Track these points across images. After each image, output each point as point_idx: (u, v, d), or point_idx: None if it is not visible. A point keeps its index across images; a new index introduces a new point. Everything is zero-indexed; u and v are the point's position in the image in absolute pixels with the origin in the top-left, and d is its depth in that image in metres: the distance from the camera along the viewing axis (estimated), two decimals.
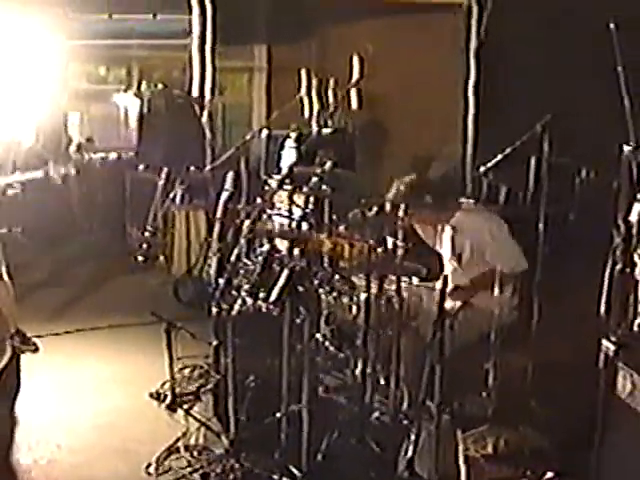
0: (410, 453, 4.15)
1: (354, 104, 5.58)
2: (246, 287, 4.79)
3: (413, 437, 4.18)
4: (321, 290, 5.24)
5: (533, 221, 5.41)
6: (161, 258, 9.25)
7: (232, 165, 7.01)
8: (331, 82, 6.51)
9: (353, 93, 5.54)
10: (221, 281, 5.09)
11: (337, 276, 5.30)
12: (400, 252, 4.86)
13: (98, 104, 13.56)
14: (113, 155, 11.89)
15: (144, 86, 12.07)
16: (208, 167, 7.83)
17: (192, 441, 5.31)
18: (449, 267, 5.59)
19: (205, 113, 9.28)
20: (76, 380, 6.41)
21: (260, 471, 4.79)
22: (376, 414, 5.15)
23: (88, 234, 11.11)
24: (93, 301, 8.38)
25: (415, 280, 5.64)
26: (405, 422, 5.01)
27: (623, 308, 3.60)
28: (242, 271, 4.93)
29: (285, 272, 4.60)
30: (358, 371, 5.08)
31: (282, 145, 7.09)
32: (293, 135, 6.49)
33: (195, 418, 5.66)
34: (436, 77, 9.38)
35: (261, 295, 4.68)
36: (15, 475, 4.99)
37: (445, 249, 5.68)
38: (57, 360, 6.76)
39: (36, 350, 6.87)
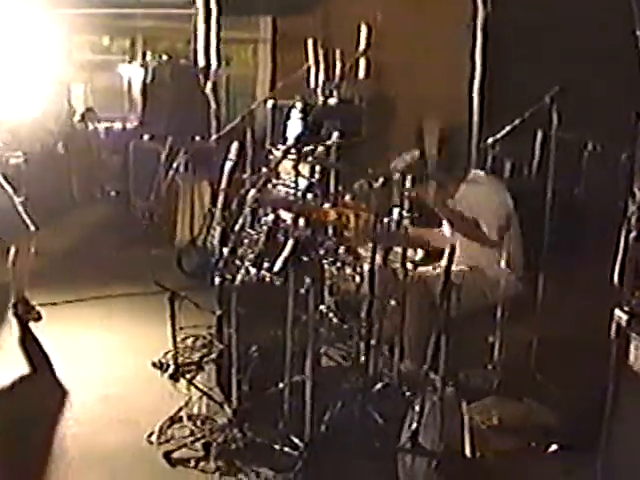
0: (414, 424, 4.13)
1: (362, 74, 5.55)
2: (250, 257, 4.77)
3: (417, 408, 4.16)
4: (325, 261, 5.22)
5: (539, 194, 5.38)
6: (164, 228, 9.23)
7: (237, 135, 6.96)
8: (337, 53, 6.47)
9: (361, 63, 5.51)
10: (225, 251, 5.07)
11: (342, 247, 5.28)
12: (406, 223, 4.83)
13: (102, 74, 13.52)
14: (117, 125, 11.88)
15: (149, 56, 12.03)
16: (213, 137, 7.78)
17: (195, 411, 5.30)
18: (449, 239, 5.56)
19: (210, 84, 9.21)
20: (79, 349, 6.41)
21: (263, 441, 4.77)
22: (379, 385, 5.13)
23: (93, 204, 11.11)
24: (97, 270, 8.36)
25: (420, 253, 5.63)
26: (408, 393, 5.00)
27: (637, 277, 3.57)
28: (246, 241, 4.90)
29: (290, 242, 4.57)
30: (362, 342, 5.09)
31: (288, 116, 7.05)
32: (299, 105, 6.45)
33: (197, 388, 5.66)
34: (444, 47, 9.32)
35: (265, 265, 4.66)
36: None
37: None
38: (60, 329, 6.77)
39: (39, 318, 6.88)
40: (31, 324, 6.82)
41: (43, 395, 5.67)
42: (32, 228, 6.69)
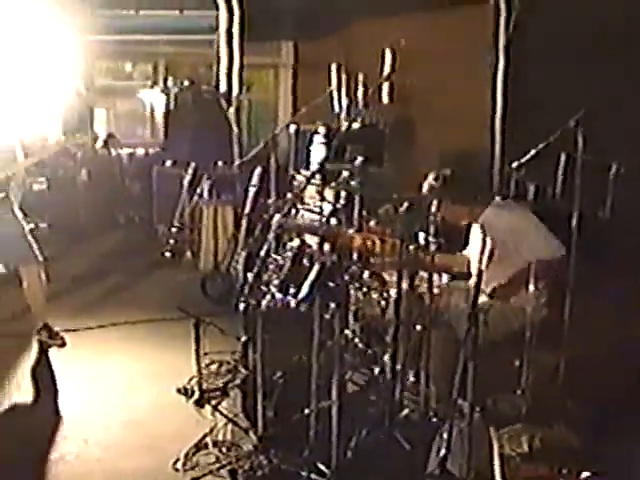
0: (443, 451, 4.10)
1: (385, 99, 5.54)
2: (276, 282, 4.76)
3: (445, 435, 4.13)
4: (351, 286, 5.21)
5: (563, 217, 5.35)
6: (188, 254, 9.25)
7: (260, 160, 6.97)
8: (360, 77, 6.47)
9: (384, 88, 5.50)
10: (249, 276, 5.06)
11: (367, 272, 5.27)
12: (432, 248, 4.81)
13: (124, 100, 13.59)
14: (140, 151, 11.93)
15: (170, 82, 12.08)
16: (237, 162, 7.80)
17: (220, 437, 5.27)
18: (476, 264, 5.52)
19: (232, 109, 9.26)
20: (104, 375, 6.40)
21: (289, 468, 4.74)
22: (405, 411, 5.10)
23: (116, 230, 11.14)
24: (121, 296, 8.38)
25: (445, 277, 5.60)
26: (435, 420, 4.97)
27: None
28: (272, 266, 4.90)
29: (315, 267, 4.56)
30: (387, 368, 5.06)
31: (311, 140, 7.07)
32: (322, 130, 6.46)
33: (222, 414, 5.63)
34: (466, 72, 9.32)
35: (291, 290, 4.65)
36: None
37: (474, 246, 5.61)
38: (84, 355, 6.77)
39: (63, 345, 6.89)
40: (55, 350, 6.82)
41: (41, 422, 5.65)
42: (40, 258, 6.72)
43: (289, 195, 5.36)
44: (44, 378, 6.37)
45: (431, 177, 5.32)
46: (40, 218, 9.64)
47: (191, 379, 6.03)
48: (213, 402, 5.80)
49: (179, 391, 5.97)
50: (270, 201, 5.51)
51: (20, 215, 6.71)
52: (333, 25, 10.94)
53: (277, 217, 4.88)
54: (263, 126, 12.21)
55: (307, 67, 12.52)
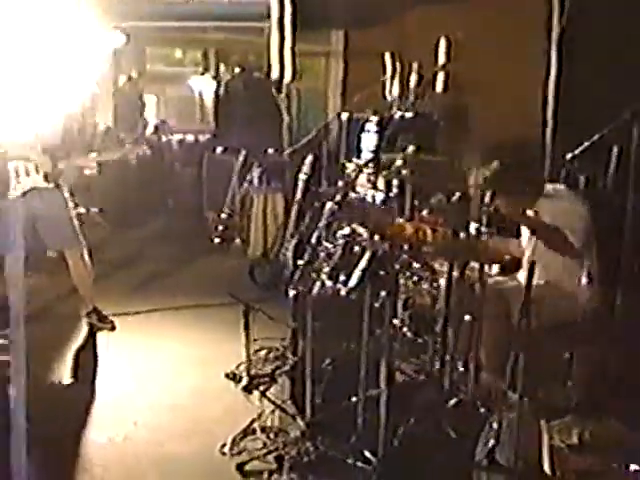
0: (491, 441, 4.09)
1: (439, 88, 5.52)
2: (326, 270, 4.77)
3: (495, 425, 4.12)
4: (401, 275, 5.20)
5: (614, 209, 5.30)
6: (237, 240, 9.29)
7: (310, 148, 6.98)
8: (414, 65, 6.45)
9: (439, 76, 5.48)
10: (300, 263, 5.07)
11: (417, 261, 5.25)
12: (484, 238, 4.78)
13: (174, 87, 13.68)
14: (190, 137, 11.99)
15: (221, 69, 12.12)
16: (289, 150, 7.81)
17: (268, 423, 5.29)
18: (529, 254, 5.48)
19: (283, 97, 9.26)
20: (153, 359, 6.46)
21: (335, 455, 4.75)
22: (454, 400, 5.09)
23: (166, 215, 11.20)
24: (170, 281, 8.45)
25: (495, 268, 5.57)
26: (483, 410, 4.95)
27: None
28: (322, 254, 4.90)
29: (366, 256, 4.56)
30: (436, 357, 5.05)
31: (362, 129, 7.04)
32: (374, 119, 6.43)
33: (270, 400, 5.65)
34: (521, 62, 9.24)
35: (341, 278, 4.66)
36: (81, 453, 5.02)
37: (526, 236, 5.58)
38: (134, 339, 6.82)
39: (113, 328, 6.95)
40: (104, 333, 6.89)
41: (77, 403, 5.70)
42: (83, 242, 6.79)
43: (340, 183, 5.34)
44: (87, 361, 6.44)
45: (484, 167, 5.29)
46: (91, 202, 9.71)
47: (240, 365, 6.06)
48: (261, 388, 5.82)
49: (227, 376, 6.00)
50: (321, 189, 5.51)
51: (69, 198, 6.77)
52: (385, 13, 10.88)
53: (329, 205, 4.89)
54: (313, 114, 12.19)
55: (358, 55, 12.48)
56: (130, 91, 11.81)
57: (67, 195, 6.75)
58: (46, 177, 6.49)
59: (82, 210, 7.35)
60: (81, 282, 6.90)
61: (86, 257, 6.83)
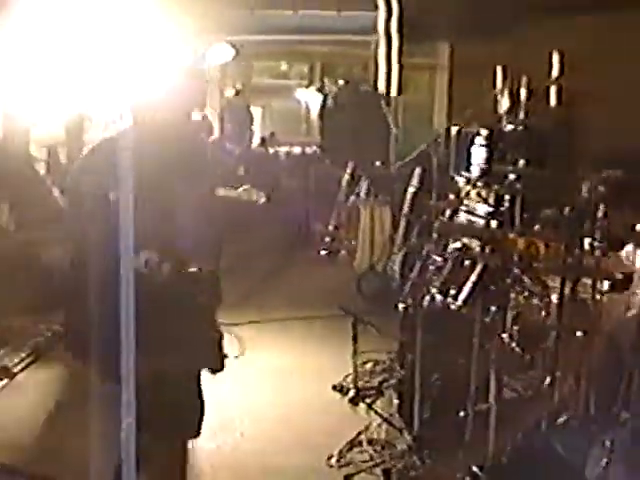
0: (604, 460, 4.03)
1: (552, 101, 5.47)
2: (436, 284, 4.76)
3: (607, 444, 4.05)
4: (511, 290, 5.15)
5: None
6: (344, 252, 9.31)
7: (418, 161, 6.98)
8: (524, 79, 6.40)
9: (552, 90, 5.43)
10: (408, 276, 5.07)
11: (529, 276, 5.20)
12: (597, 254, 4.71)
13: (280, 99, 13.77)
14: (297, 149, 12.06)
15: (327, 81, 12.18)
16: (399, 163, 7.82)
17: (374, 436, 5.28)
18: None
19: (390, 109, 9.29)
20: (261, 369, 6.51)
21: (442, 469, 4.73)
22: (563, 417, 5.02)
23: (272, 226, 11.27)
24: (276, 292, 8.50)
25: (606, 284, 5.48)
26: (593, 428, 4.87)
27: None
28: (432, 268, 4.90)
29: (477, 270, 4.54)
30: (546, 373, 4.99)
31: (472, 142, 7.02)
32: (484, 132, 6.41)
33: (377, 412, 5.64)
34: (635, 73, 9.10)
35: (451, 292, 4.64)
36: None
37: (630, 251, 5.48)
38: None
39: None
40: None
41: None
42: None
43: (451, 197, 5.33)
44: None
45: (597, 181, 5.21)
46: None
47: (347, 377, 6.07)
48: (368, 400, 5.83)
49: (335, 388, 6.02)
50: (431, 202, 5.49)
51: None
52: (490, 26, 10.84)
53: (440, 218, 4.88)
54: (418, 127, 12.18)
55: (463, 68, 12.44)
56: (237, 103, 11.95)
57: None
58: None
59: None
60: None
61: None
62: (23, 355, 6.68)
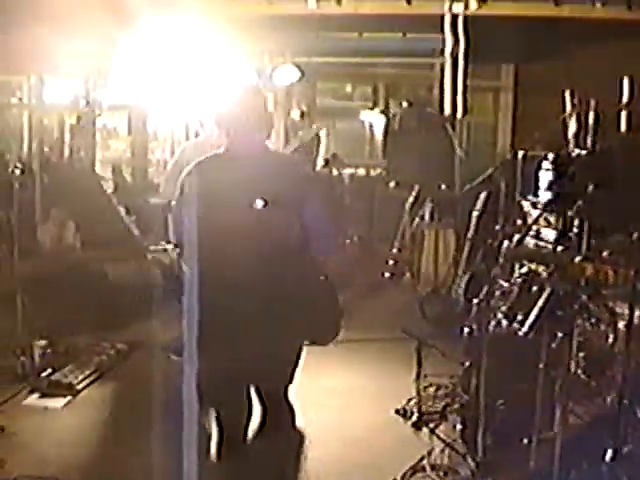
0: None
1: (622, 126, 5.42)
2: (503, 309, 4.73)
3: None
4: (578, 316, 5.10)
5: None
6: (408, 275, 9.29)
7: (483, 184, 6.94)
8: (592, 103, 6.34)
9: (622, 115, 5.38)
10: (474, 301, 5.04)
11: (596, 303, 5.15)
12: None
13: (344, 121, 13.79)
14: (361, 171, 12.07)
15: (391, 103, 12.18)
16: (466, 187, 7.80)
17: (437, 461, 5.25)
18: None
19: (456, 132, 9.27)
20: (324, 391, 6.51)
21: None
22: (628, 447, 4.95)
23: (341, 247, 11.27)
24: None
25: None
26: None
27: None
28: (498, 292, 4.87)
29: (544, 295, 4.50)
30: (611, 401, 4.93)
31: (539, 166, 6.97)
32: (551, 156, 6.35)
33: (440, 438, 5.61)
34: None
35: (518, 318, 4.61)
36: None
37: None
38: (306, 371, 6.87)
39: None
40: None
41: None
42: None
43: (518, 222, 5.30)
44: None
45: None
46: None
47: (410, 400, 6.05)
48: (431, 425, 5.79)
49: (398, 412, 6.00)
50: (497, 227, 5.46)
51: None
52: (554, 48, 10.79)
53: (506, 243, 4.85)
54: (481, 149, 12.14)
55: (527, 90, 12.40)
56: (303, 125, 11.99)
57: None
58: None
59: None
60: None
61: None
62: (87, 372, 6.74)
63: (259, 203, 4.88)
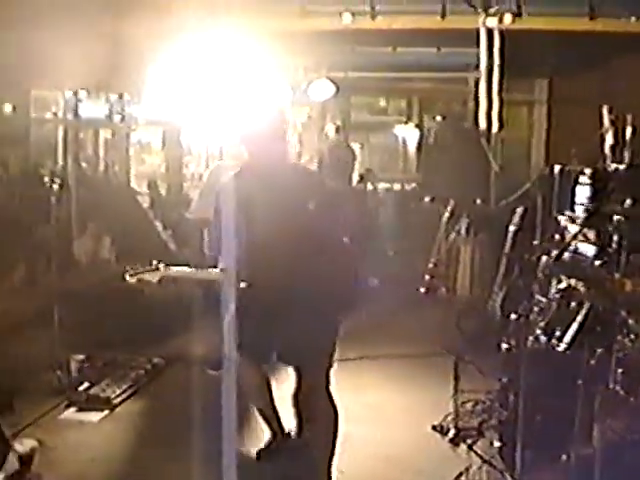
0: None
1: None
2: (541, 324, 4.71)
3: None
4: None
5: None
6: (444, 290, 9.26)
7: (520, 199, 6.92)
8: (628, 117, 6.34)
9: None
10: (512, 316, 5.02)
11: (634, 319, 5.11)
12: None
13: (378, 135, 13.82)
14: (397, 186, 12.07)
15: (425, 118, 12.19)
16: (503, 202, 7.77)
17: (475, 477, 5.23)
18: None
19: (491, 146, 9.26)
20: (361, 407, 6.48)
21: None
22: None
23: (370, 263, 11.25)
24: (377, 330, 8.48)
25: None
26: None
27: None
28: (536, 308, 4.85)
29: (583, 311, 4.48)
30: None
31: (575, 181, 6.95)
32: (587, 171, 6.33)
33: (477, 454, 5.58)
34: None
35: (557, 333, 4.59)
36: None
37: None
38: (342, 386, 6.86)
39: None
40: None
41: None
42: None
43: (556, 236, 5.28)
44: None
45: None
46: None
47: (446, 416, 6.02)
48: (468, 441, 5.77)
49: (434, 428, 5.97)
50: (535, 242, 5.45)
51: None
52: (589, 61, 10.76)
53: (543, 258, 4.83)
54: (516, 163, 12.11)
55: (561, 104, 12.37)
56: (338, 140, 12.02)
57: None
58: None
59: None
60: None
61: None
62: (124, 387, 6.78)
63: (303, 205, 4.99)
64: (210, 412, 4.80)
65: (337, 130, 11.62)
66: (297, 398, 5.32)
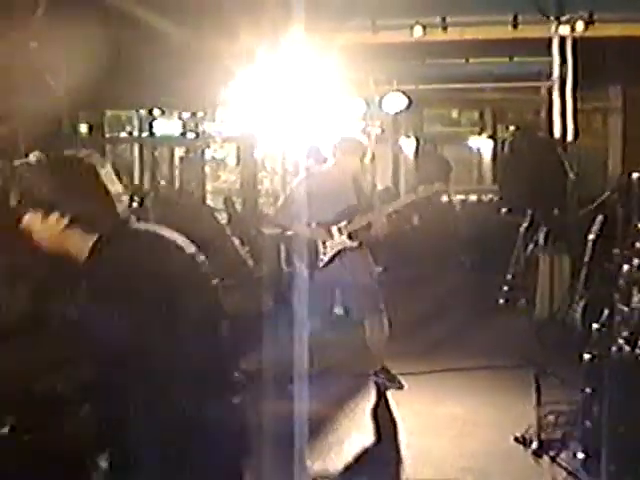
0: None
1: None
2: (624, 334, 4.66)
3: None
4: None
5: None
6: (523, 301, 9.20)
7: (598, 208, 6.86)
8: None
9: None
10: (593, 326, 4.97)
11: None
12: None
13: (451, 146, 13.80)
14: (473, 197, 12.03)
15: (499, 128, 12.16)
16: (582, 211, 7.71)
17: None
18: None
19: (567, 155, 9.19)
20: (443, 418, 6.48)
21: None
22: None
23: (448, 275, 11.23)
24: (454, 342, 8.45)
25: None
26: None
27: None
28: (618, 317, 4.80)
29: None
30: None
31: None
32: None
33: (562, 466, 5.51)
34: None
35: None
36: None
37: None
38: (420, 399, 6.86)
39: (400, 387, 7.00)
40: (391, 392, 6.97)
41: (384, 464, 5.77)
42: (382, 308, 6.91)
43: (637, 245, 5.21)
44: (384, 420, 6.52)
45: None
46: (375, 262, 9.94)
47: (529, 428, 5.96)
48: (552, 453, 5.70)
49: (517, 440, 5.91)
50: (616, 250, 5.39)
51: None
52: None
53: (625, 267, 4.78)
54: (592, 172, 11.99)
55: (637, 111, 12.24)
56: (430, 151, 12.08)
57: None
58: (350, 236, 6.75)
59: (379, 269, 7.52)
60: (375, 342, 6.99)
61: (384, 320, 6.95)
62: None
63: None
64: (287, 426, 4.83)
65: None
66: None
